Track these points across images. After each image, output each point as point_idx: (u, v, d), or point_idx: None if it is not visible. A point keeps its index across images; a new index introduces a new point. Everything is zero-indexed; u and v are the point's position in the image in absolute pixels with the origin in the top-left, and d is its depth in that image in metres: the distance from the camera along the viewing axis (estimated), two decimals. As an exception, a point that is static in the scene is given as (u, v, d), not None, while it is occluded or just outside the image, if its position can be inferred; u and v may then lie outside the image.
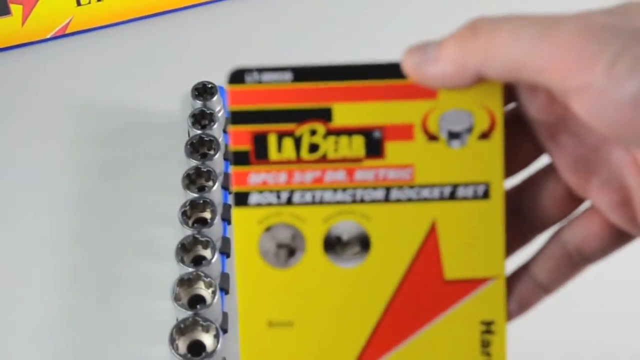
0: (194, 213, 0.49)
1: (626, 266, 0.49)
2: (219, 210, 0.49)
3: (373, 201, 0.32)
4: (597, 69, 0.25)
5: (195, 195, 0.49)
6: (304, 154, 0.32)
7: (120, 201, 0.53)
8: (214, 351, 0.42)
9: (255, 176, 0.32)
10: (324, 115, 0.32)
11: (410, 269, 0.32)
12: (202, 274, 0.45)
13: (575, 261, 0.32)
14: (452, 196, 0.32)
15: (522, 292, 0.33)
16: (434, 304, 0.33)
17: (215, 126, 0.53)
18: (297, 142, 0.32)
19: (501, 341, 0.33)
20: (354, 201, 0.32)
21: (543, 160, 0.32)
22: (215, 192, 0.50)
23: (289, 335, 0.33)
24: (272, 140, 0.32)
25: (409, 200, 0.32)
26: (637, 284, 0.49)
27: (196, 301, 0.45)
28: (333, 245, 0.32)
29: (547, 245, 0.33)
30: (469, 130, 0.31)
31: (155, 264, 0.49)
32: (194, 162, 0.51)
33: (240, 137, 0.32)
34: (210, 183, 0.50)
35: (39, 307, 0.48)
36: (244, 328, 0.33)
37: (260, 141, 0.32)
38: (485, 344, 0.33)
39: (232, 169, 0.32)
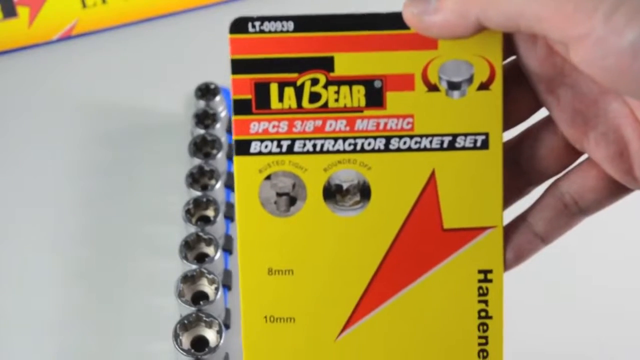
0: (197, 211, 0.49)
1: (627, 267, 0.50)
2: (222, 208, 0.50)
3: (373, 150, 0.32)
4: (595, 18, 0.25)
5: (199, 193, 0.49)
6: (305, 103, 0.32)
7: (125, 199, 0.53)
8: (217, 346, 0.43)
9: (257, 125, 0.32)
10: (326, 64, 0.31)
11: (409, 218, 0.32)
12: (205, 271, 0.45)
13: (571, 212, 0.32)
14: (452, 146, 0.32)
15: (520, 241, 0.33)
16: (432, 253, 0.33)
17: (218, 126, 0.53)
18: (299, 92, 0.32)
19: (498, 290, 0.33)
20: (354, 150, 0.32)
21: (541, 113, 0.32)
22: (218, 191, 0.50)
23: (289, 283, 0.33)
24: (273, 89, 0.32)
25: (409, 149, 0.32)
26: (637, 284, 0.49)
27: (199, 297, 0.45)
28: (333, 194, 0.32)
29: (544, 196, 0.33)
30: (469, 80, 0.31)
31: (159, 261, 0.50)
32: (197, 161, 0.51)
33: (241, 86, 0.32)
34: (213, 182, 0.50)
35: (45, 303, 0.48)
36: (244, 276, 0.33)
37: (261, 90, 0.32)
38: (482, 293, 0.33)
39: (234, 118, 0.32)
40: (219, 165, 0.51)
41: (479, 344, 0.33)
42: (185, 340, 0.44)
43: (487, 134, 0.32)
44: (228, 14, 0.66)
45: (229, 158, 0.53)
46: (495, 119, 0.32)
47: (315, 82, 0.32)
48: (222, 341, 0.43)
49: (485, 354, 0.33)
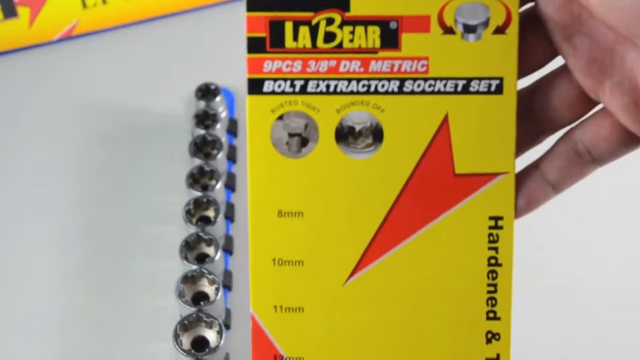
0: (197, 211, 0.49)
1: (628, 268, 0.50)
2: (222, 208, 0.50)
3: (387, 92, 0.32)
4: None
5: (199, 193, 0.49)
6: (320, 43, 0.31)
7: (125, 200, 0.53)
8: (217, 347, 0.43)
9: (270, 64, 0.32)
10: (341, 4, 0.31)
11: (421, 162, 0.32)
12: (205, 272, 0.45)
13: (584, 161, 0.32)
14: (466, 90, 0.32)
15: (531, 189, 0.33)
16: (443, 198, 0.32)
17: (218, 126, 0.53)
18: (313, 31, 0.31)
19: (508, 237, 0.32)
20: (367, 92, 0.32)
21: (557, 62, 0.32)
22: (219, 191, 0.50)
23: (298, 225, 0.32)
24: (288, 27, 0.31)
25: (423, 92, 0.32)
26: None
27: (200, 298, 0.45)
28: (345, 136, 0.32)
29: (558, 145, 0.33)
30: (485, 24, 0.31)
31: (160, 262, 0.50)
32: (197, 162, 0.51)
33: (256, 24, 0.31)
34: (214, 182, 0.50)
35: (45, 303, 0.48)
36: (253, 217, 0.33)
37: (276, 28, 0.31)
38: (492, 240, 0.32)
39: (247, 56, 0.31)
40: (220, 165, 0.51)
41: (488, 292, 0.33)
42: (186, 340, 0.44)
43: (501, 79, 0.31)
44: (228, 14, 0.67)
45: (230, 159, 0.54)
46: (510, 64, 0.31)
47: (330, 21, 0.31)
48: (222, 341, 0.43)
49: (494, 302, 0.33)
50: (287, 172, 0.32)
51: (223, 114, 0.55)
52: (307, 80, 0.32)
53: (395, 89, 0.32)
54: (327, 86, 0.32)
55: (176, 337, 0.43)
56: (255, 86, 0.32)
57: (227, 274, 0.48)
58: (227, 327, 0.46)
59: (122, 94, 0.59)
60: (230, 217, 0.51)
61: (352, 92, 0.32)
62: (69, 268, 0.50)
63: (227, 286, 0.48)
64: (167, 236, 0.50)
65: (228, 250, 0.49)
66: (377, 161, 0.32)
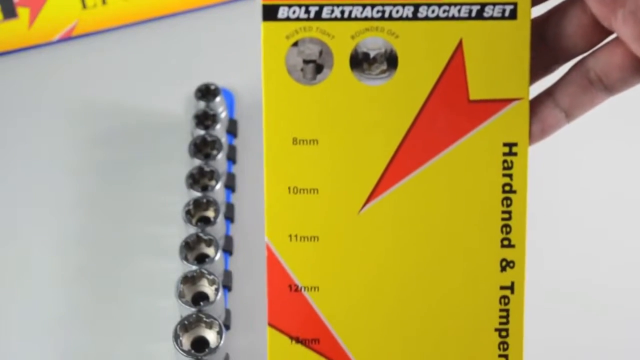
0: (197, 212, 0.49)
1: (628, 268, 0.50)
2: (222, 209, 0.50)
3: (401, 18, 0.31)
4: None
5: (199, 194, 0.49)
6: None
7: (125, 200, 0.53)
8: (217, 347, 0.43)
9: None
10: None
11: (435, 88, 0.32)
12: (205, 272, 0.45)
13: (595, 89, 0.32)
14: (480, 15, 0.31)
15: (545, 115, 0.33)
16: (458, 124, 0.32)
17: (218, 127, 0.53)
18: None
19: (523, 164, 0.32)
20: (382, 18, 0.31)
21: None
22: (219, 192, 0.50)
23: (313, 153, 0.32)
24: None
25: (437, 18, 0.31)
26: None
27: (200, 298, 0.46)
28: (360, 62, 0.32)
29: (570, 72, 0.33)
30: None
31: (160, 262, 0.50)
32: (197, 162, 0.51)
33: None
34: (214, 182, 0.50)
35: (45, 303, 0.48)
36: (268, 145, 0.32)
37: None
38: (507, 167, 0.32)
39: None
40: (219, 166, 0.52)
41: (502, 219, 0.33)
42: (186, 341, 0.44)
43: (515, 4, 0.31)
44: (228, 15, 0.67)
45: (229, 159, 0.54)
46: None
47: None
48: (222, 342, 0.43)
49: (508, 229, 0.33)
50: (301, 99, 0.32)
51: (223, 114, 0.55)
52: (321, 7, 0.31)
53: (410, 15, 0.31)
54: (342, 12, 0.31)
55: (176, 337, 0.43)
56: (269, 12, 0.31)
57: (227, 274, 0.48)
58: (227, 327, 0.46)
59: (122, 94, 0.60)
60: (230, 217, 0.51)
61: (366, 18, 0.32)
62: (69, 268, 0.50)
63: (227, 286, 0.48)
64: (167, 236, 0.50)
65: (228, 250, 0.50)
66: (391, 88, 0.32)
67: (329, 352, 0.33)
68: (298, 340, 0.34)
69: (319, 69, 0.32)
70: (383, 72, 0.32)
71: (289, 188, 0.33)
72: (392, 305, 0.33)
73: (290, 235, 0.33)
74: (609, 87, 0.32)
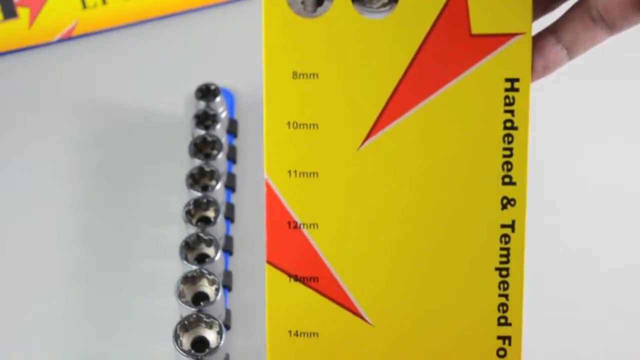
0: (197, 212, 0.49)
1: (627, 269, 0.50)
2: (222, 209, 0.50)
3: None
4: None
5: (199, 194, 0.49)
6: None
7: (125, 200, 0.53)
8: (217, 347, 0.43)
9: None
10: None
11: (437, 21, 0.31)
12: (205, 272, 0.45)
13: (597, 27, 0.32)
14: None
15: (547, 51, 0.33)
16: (459, 59, 0.32)
17: (218, 127, 0.53)
18: None
19: (524, 100, 0.32)
20: None
21: None
22: (219, 192, 0.50)
23: (313, 87, 0.32)
24: None
25: None
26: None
27: (200, 298, 0.46)
28: None
29: (573, 9, 0.33)
30: None
31: (160, 262, 0.50)
32: (197, 162, 0.51)
33: None
34: (214, 182, 0.50)
35: (45, 303, 0.48)
36: (268, 79, 0.32)
37: None
38: (508, 102, 0.32)
39: None
40: (220, 166, 0.52)
41: (504, 156, 0.32)
42: (186, 341, 0.44)
43: None
44: (228, 15, 0.67)
45: (230, 159, 0.54)
46: None
47: None
48: (222, 342, 0.43)
49: (509, 166, 0.32)
50: (302, 32, 0.31)
51: (223, 114, 0.55)
52: None
53: None
54: None
55: (176, 337, 0.43)
56: None
57: (227, 275, 0.48)
58: (227, 327, 0.46)
59: (122, 94, 0.60)
60: (230, 217, 0.51)
61: None
62: (69, 268, 0.50)
63: (227, 286, 0.48)
64: (167, 236, 0.50)
65: (228, 250, 0.50)
66: (392, 21, 0.31)
67: (327, 290, 0.33)
68: (297, 279, 0.33)
69: (319, 1, 0.31)
70: (384, 5, 0.31)
71: (289, 123, 0.32)
72: (391, 243, 0.33)
73: (290, 171, 0.33)
74: (610, 25, 0.32)
